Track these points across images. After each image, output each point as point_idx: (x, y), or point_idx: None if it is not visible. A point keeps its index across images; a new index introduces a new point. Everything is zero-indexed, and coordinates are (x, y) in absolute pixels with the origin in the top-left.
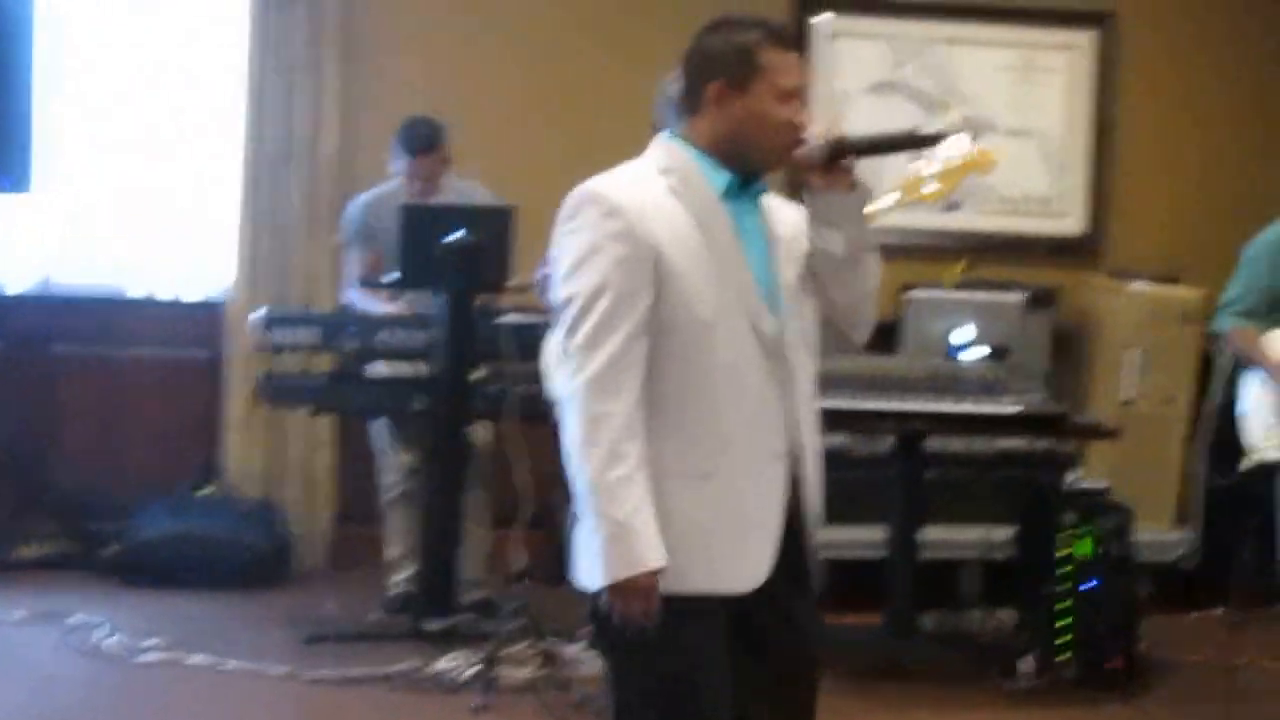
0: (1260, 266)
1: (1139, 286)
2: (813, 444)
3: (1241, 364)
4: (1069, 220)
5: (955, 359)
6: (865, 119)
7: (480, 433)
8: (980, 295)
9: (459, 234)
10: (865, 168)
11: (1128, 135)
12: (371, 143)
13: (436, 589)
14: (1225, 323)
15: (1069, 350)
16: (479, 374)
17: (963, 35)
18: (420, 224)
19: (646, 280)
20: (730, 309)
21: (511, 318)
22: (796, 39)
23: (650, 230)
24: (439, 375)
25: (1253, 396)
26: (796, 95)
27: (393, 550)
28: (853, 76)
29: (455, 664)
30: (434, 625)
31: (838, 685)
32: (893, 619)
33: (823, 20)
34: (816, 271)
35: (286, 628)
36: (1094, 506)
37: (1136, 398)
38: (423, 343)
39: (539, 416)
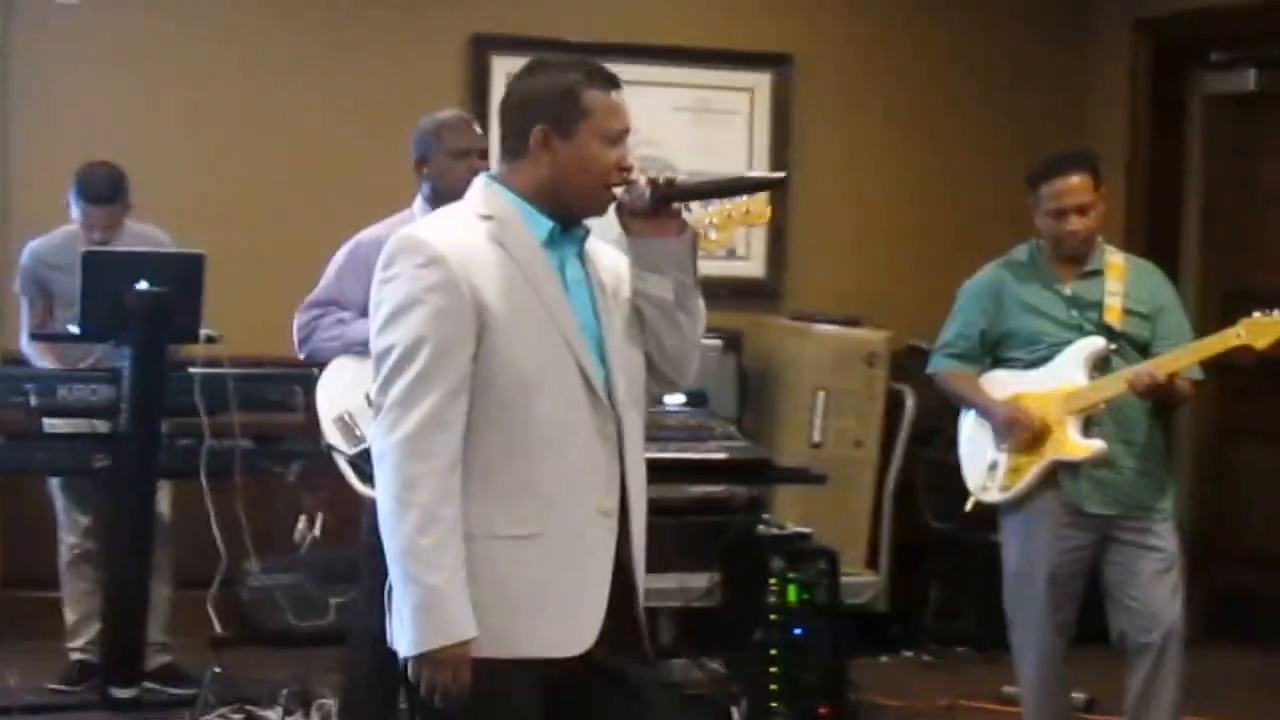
0: (974, 308)
1: (822, 329)
2: (640, 500)
3: (955, 406)
4: (750, 263)
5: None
6: None
7: (162, 490)
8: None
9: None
10: None
11: (807, 177)
12: (32, 188)
13: (123, 655)
14: (940, 363)
15: (756, 394)
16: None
17: (640, 76)
18: (103, 272)
19: (467, 334)
20: (556, 362)
21: (202, 370)
22: (616, 79)
23: (472, 281)
24: (126, 431)
25: (967, 439)
26: (622, 138)
27: (71, 615)
28: None
29: None
30: (122, 694)
31: None
32: None
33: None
34: (644, 317)
35: None
36: (800, 552)
37: (823, 441)
38: (107, 398)
39: (227, 473)
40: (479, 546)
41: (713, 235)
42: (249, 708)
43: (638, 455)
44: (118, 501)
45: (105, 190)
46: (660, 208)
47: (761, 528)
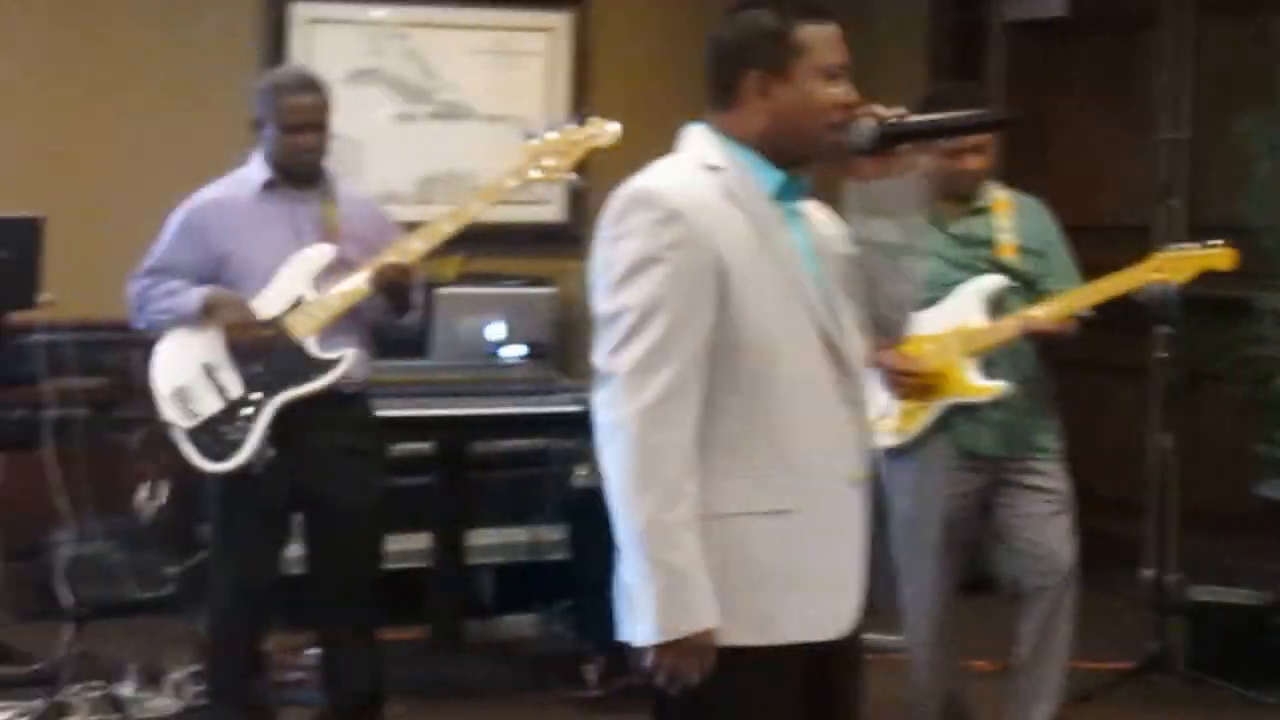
0: None
1: None
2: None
3: None
4: (550, 208)
5: (498, 359)
6: (347, 108)
7: None
8: (508, 290)
9: None
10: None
11: (605, 118)
12: None
13: None
14: None
15: (570, 342)
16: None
17: (437, 19)
18: None
19: (709, 295)
20: (797, 324)
21: (42, 336)
22: (827, 10)
23: (711, 237)
24: None
25: None
26: (841, 72)
27: None
28: (331, 65)
29: (6, 717)
30: None
31: (393, 709)
32: (438, 631)
33: None
34: (866, 267)
35: None
36: None
37: None
38: None
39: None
40: (734, 525)
41: (552, 162)
42: (102, 684)
43: (868, 418)
44: None
45: None
46: (885, 148)
47: (578, 478)
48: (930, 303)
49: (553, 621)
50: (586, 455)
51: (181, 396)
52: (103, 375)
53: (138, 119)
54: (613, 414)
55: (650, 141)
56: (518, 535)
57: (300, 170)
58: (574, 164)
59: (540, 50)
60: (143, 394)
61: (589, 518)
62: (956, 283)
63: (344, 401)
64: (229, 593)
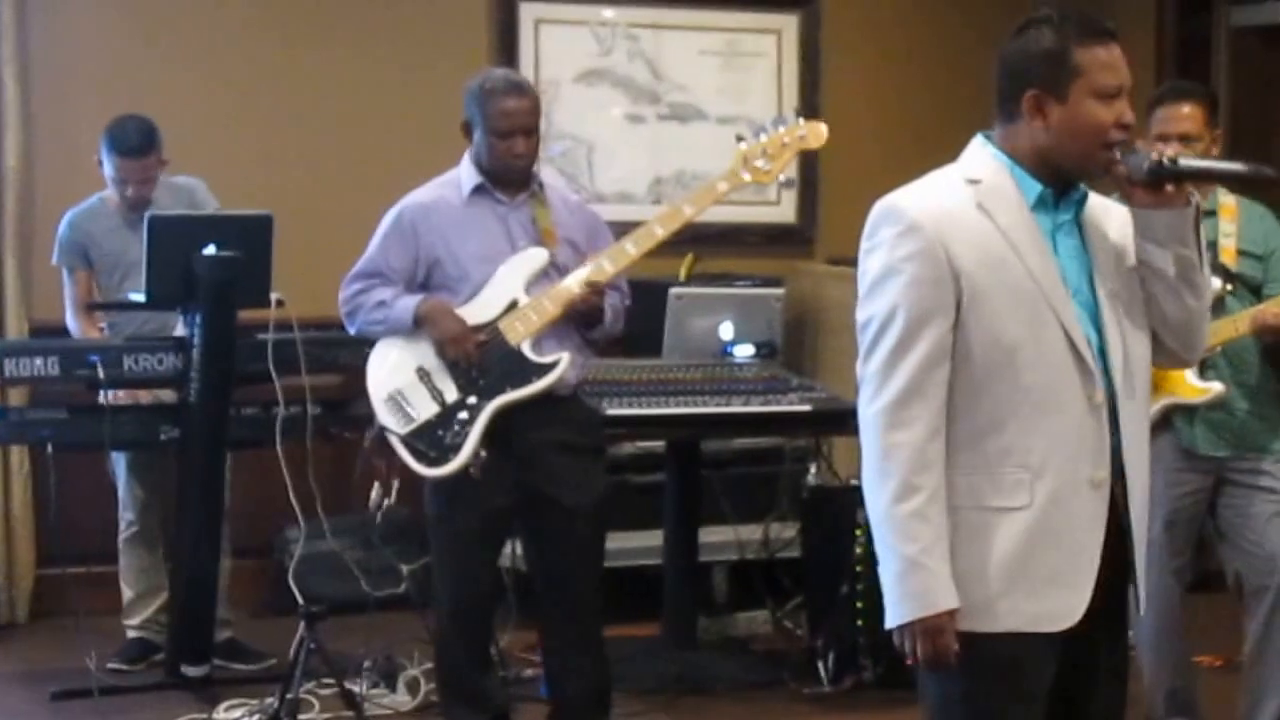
0: None
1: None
2: (1140, 471)
3: None
4: (781, 208)
5: (731, 358)
6: (574, 107)
7: None
8: (739, 290)
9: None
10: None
11: (835, 119)
12: (54, 156)
13: (193, 632)
14: None
15: (797, 341)
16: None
17: (667, 20)
18: (168, 236)
19: (945, 302)
20: (1041, 329)
21: (274, 334)
22: (1111, 30)
23: (950, 248)
24: (197, 401)
25: None
26: (1119, 93)
27: (129, 592)
28: (560, 65)
29: (239, 713)
30: (193, 671)
31: (628, 706)
32: (672, 629)
33: None
34: (1146, 284)
35: (24, 685)
36: None
37: None
38: (174, 367)
39: (299, 440)
40: (966, 518)
41: (765, 165)
42: (338, 681)
43: (1137, 425)
44: (187, 475)
45: (137, 141)
46: (1156, 183)
47: (811, 477)
48: None
49: (785, 618)
50: (818, 453)
51: (397, 401)
52: (334, 373)
53: (367, 118)
54: (861, 413)
55: (881, 142)
56: (750, 533)
57: (510, 175)
58: (784, 165)
59: (768, 51)
60: None
61: (820, 515)
62: None
63: (561, 401)
64: (452, 593)
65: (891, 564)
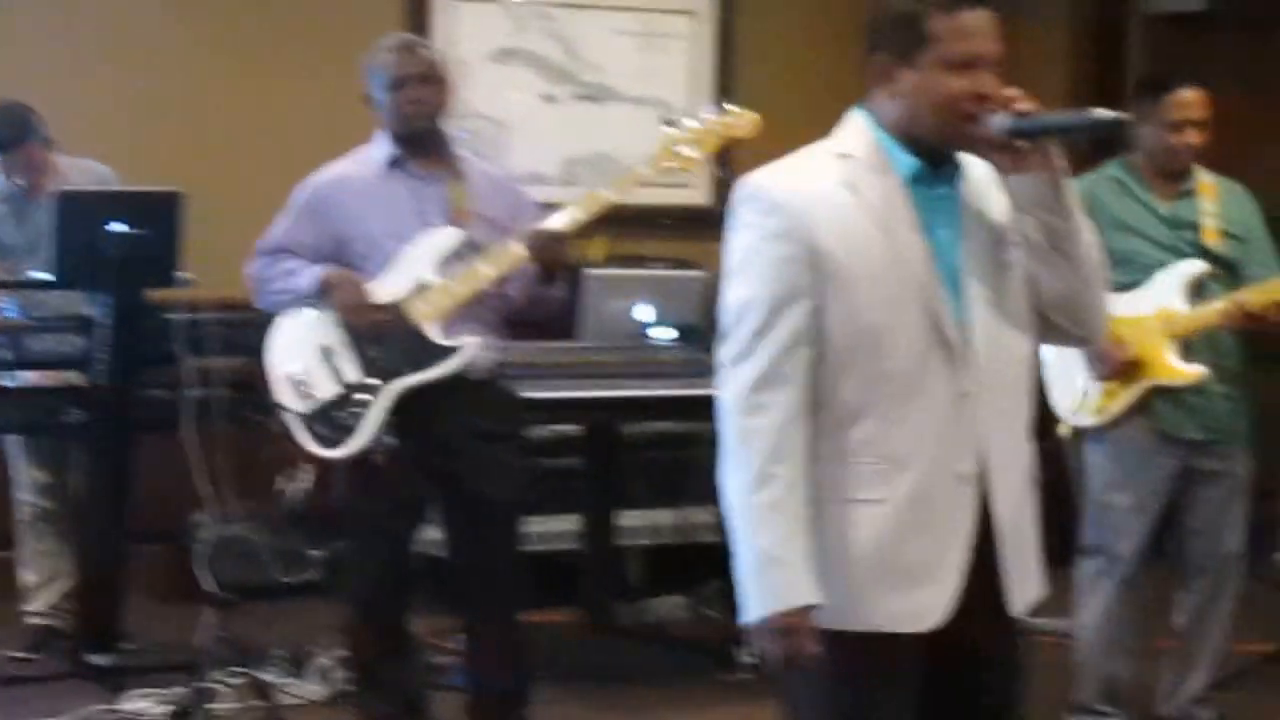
0: None
1: None
2: (1009, 464)
3: None
4: (695, 191)
5: (649, 340)
6: (487, 86)
7: None
8: (659, 272)
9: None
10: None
11: (751, 100)
12: None
13: (100, 619)
14: None
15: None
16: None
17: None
18: (75, 213)
19: (804, 285)
20: (906, 313)
21: (182, 315)
22: None
23: (813, 228)
24: (105, 383)
25: (1051, 363)
26: (975, 63)
27: (31, 577)
28: (473, 44)
29: (146, 704)
30: (99, 660)
31: (547, 694)
32: (589, 614)
33: None
34: (1028, 258)
35: None
36: None
37: None
38: (79, 348)
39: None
40: (827, 510)
41: (691, 152)
42: (248, 670)
43: (1007, 415)
44: (95, 458)
45: (8, 135)
46: (1012, 142)
47: None
48: (1134, 284)
49: (702, 604)
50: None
51: (297, 380)
52: (244, 355)
53: (279, 98)
54: (721, 400)
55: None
56: (667, 517)
57: (417, 130)
58: (711, 153)
59: (684, 32)
60: None
61: None
62: (1161, 264)
63: (476, 386)
64: (364, 578)
65: (745, 557)
